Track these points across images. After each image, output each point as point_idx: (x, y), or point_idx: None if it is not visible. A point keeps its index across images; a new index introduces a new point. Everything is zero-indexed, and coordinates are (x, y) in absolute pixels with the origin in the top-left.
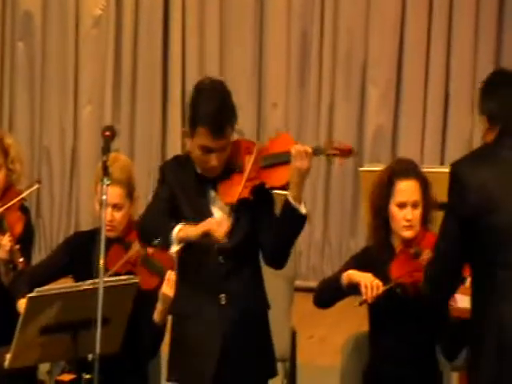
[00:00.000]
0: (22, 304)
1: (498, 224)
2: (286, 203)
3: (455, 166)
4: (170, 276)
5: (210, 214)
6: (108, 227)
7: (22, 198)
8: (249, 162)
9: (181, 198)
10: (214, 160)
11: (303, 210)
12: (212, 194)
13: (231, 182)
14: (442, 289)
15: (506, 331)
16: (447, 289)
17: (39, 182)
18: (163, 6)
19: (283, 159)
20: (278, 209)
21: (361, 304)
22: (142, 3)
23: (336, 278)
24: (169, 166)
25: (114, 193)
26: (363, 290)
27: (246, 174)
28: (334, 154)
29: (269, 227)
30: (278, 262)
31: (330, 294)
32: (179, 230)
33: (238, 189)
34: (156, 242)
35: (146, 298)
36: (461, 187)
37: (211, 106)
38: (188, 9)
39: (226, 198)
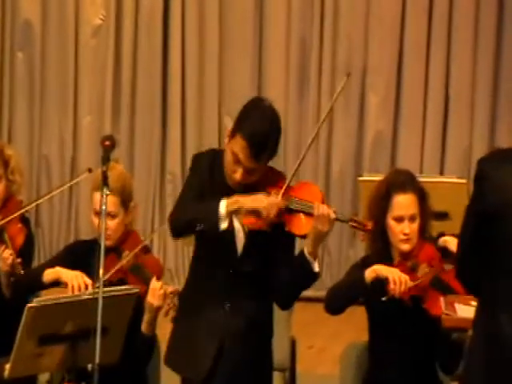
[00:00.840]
0: (63, 271)
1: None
2: (301, 255)
3: (481, 162)
4: (155, 285)
5: (230, 222)
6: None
7: (26, 211)
8: (280, 195)
9: (208, 193)
10: (238, 174)
11: (316, 267)
12: None
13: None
14: (465, 280)
15: (495, 343)
16: (470, 280)
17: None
18: (162, 15)
19: (308, 210)
20: None
21: (388, 299)
22: (141, 13)
23: (353, 279)
24: (204, 158)
25: (107, 201)
26: (392, 285)
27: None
28: (356, 228)
29: (282, 268)
30: (284, 305)
31: (345, 297)
32: (232, 202)
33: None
34: (200, 227)
35: (139, 305)
36: (482, 184)
37: (261, 126)
38: (187, 18)
39: (245, 219)
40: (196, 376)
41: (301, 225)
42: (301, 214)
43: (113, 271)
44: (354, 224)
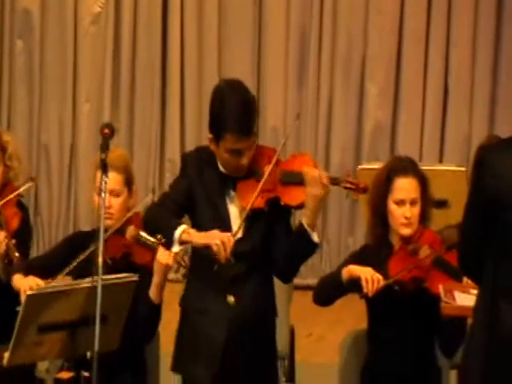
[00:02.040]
0: (17, 278)
1: (507, 223)
2: (300, 228)
3: (482, 150)
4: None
5: (226, 213)
6: (106, 215)
7: (18, 194)
8: (266, 173)
9: (199, 193)
10: (244, 159)
11: (315, 237)
12: (232, 193)
13: (249, 187)
14: (468, 269)
15: (494, 329)
16: (473, 269)
17: (32, 179)
18: (162, 3)
19: (299, 179)
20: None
21: (361, 297)
22: (140, 1)
23: (335, 274)
24: (191, 158)
25: (111, 179)
26: (364, 283)
27: (261, 184)
28: (349, 188)
29: (282, 240)
30: (286, 277)
31: (329, 291)
32: (183, 232)
33: (253, 196)
34: (159, 236)
35: (142, 275)
36: (481, 172)
37: (236, 111)
38: (187, 6)
39: (243, 201)
40: (208, 370)
41: (295, 195)
42: (294, 185)
43: (118, 246)
44: (348, 185)
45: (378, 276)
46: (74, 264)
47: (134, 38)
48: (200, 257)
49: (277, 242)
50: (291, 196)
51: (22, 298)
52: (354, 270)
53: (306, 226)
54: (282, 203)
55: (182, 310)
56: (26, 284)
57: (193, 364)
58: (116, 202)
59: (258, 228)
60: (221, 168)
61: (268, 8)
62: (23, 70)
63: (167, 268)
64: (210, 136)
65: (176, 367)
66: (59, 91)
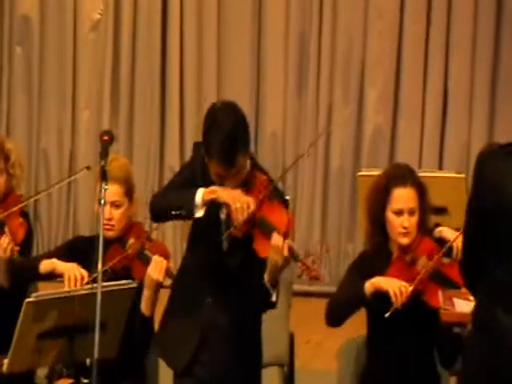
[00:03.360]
0: (58, 263)
1: (503, 229)
2: (262, 282)
3: (481, 157)
4: (157, 259)
5: (217, 217)
6: (107, 226)
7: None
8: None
9: (200, 185)
10: (229, 183)
11: (274, 297)
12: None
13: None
14: (467, 275)
15: (493, 335)
16: (472, 276)
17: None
18: (161, 10)
19: (270, 234)
20: None
21: (391, 313)
22: (139, 7)
23: (354, 290)
24: (200, 150)
25: (112, 190)
26: (393, 297)
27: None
28: (303, 269)
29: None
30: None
31: (347, 308)
32: (210, 191)
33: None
34: (175, 213)
35: (139, 293)
36: (480, 181)
37: (221, 141)
38: (186, 13)
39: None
40: (176, 365)
41: (264, 246)
42: (265, 235)
43: (119, 258)
44: (303, 267)
45: (405, 285)
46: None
47: (133, 44)
48: (186, 264)
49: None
50: (261, 245)
51: (66, 284)
52: (380, 283)
53: (266, 282)
54: (252, 246)
55: (170, 293)
56: (71, 271)
57: (169, 354)
58: (117, 213)
59: (243, 245)
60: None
61: (267, 13)
62: (22, 77)
63: (157, 283)
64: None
65: (155, 350)
66: (58, 98)
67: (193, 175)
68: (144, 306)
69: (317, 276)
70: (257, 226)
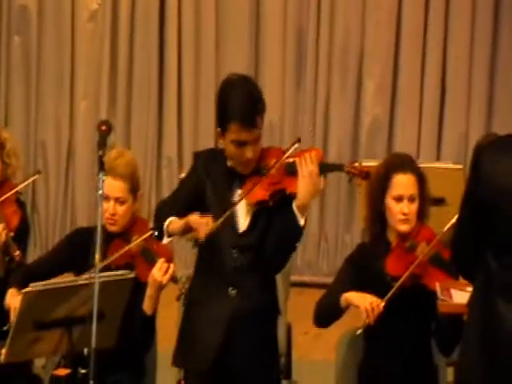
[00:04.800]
0: (10, 294)
1: (500, 223)
2: (290, 209)
3: (478, 150)
4: (161, 261)
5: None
6: (110, 221)
7: (17, 191)
8: (273, 166)
9: (208, 190)
10: (249, 152)
11: (301, 221)
12: (239, 191)
13: (255, 183)
14: (461, 265)
15: (491, 326)
16: (466, 265)
17: (38, 172)
18: (159, 0)
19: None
20: None
21: (364, 328)
22: None
23: (334, 300)
24: (202, 155)
25: (117, 186)
26: (364, 314)
27: (267, 179)
28: (352, 173)
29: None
30: (273, 266)
31: (328, 315)
32: (169, 223)
33: (258, 190)
34: (155, 232)
35: (141, 289)
36: (478, 173)
37: (240, 100)
38: (184, 3)
39: (248, 197)
40: (201, 366)
41: (294, 183)
42: (297, 174)
43: (121, 252)
44: (352, 169)
45: (376, 301)
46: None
47: (131, 34)
48: (206, 251)
49: (272, 235)
50: (295, 185)
51: (12, 317)
52: (352, 299)
53: (294, 207)
54: (287, 193)
55: (186, 303)
56: (17, 303)
57: (191, 357)
58: (121, 209)
59: (263, 222)
60: (228, 163)
61: (265, 5)
62: (20, 67)
63: (160, 285)
64: (218, 129)
65: (175, 362)
66: (56, 88)
67: (196, 182)
68: (146, 305)
69: (368, 172)
70: (285, 173)
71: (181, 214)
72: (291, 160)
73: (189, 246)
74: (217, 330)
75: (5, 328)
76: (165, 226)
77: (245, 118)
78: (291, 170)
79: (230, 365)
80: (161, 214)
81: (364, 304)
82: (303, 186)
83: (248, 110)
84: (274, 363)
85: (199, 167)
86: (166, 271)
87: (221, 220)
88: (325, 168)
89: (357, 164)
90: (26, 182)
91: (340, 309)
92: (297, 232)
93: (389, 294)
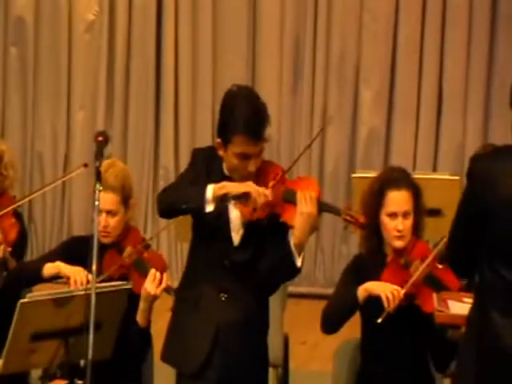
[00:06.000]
0: (62, 266)
1: (499, 229)
2: (286, 247)
3: (474, 160)
4: (153, 272)
5: (226, 215)
6: (103, 233)
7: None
8: (270, 186)
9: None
10: (251, 166)
11: (299, 262)
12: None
13: None
14: (459, 271)
15: (487, 336)
16: (464, 270)
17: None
18: (156, 11)
19: (296, 200)
20: None
21: (384, 319)
22: (134, 8)
23: (347, 297)
24: (201, 154)
25: (108, 199)
26: (385, 301)
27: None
28: (348, 220)
29: (268, 253)
30: (263, 290)
31: (341, 315)
32: (220, 187)
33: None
34: (185, 207)
35: (135, 301)
36: (474, 182)
37: (247, 113)
38: (181, 14)
39: (244, 210)
40: (189, 369)
41: (293, 214)
42: (294, 204)
43: (115, 267)
44: (348, 217)
45: (397, 289)
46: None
47: (128, 45)
48: (196, 254)
49: (266, 256)
50: (289, 215)
51: (72, 286)
52: (372, 288)
53: (292, 246)
54: (281, 220)
55: (175, 300)
56: (76, 274)
57: (180, 360)
58: (112, 221)
59: (255, 239)
60: (226, 172)
61: (262, 16)
62: (17, 78)
63: (154, 298)
64: (218, 140)
65: (164, 357)
66: (53, 99)
67: (196, 177)
68: (140, 318)
69: (364, 222)
70: (283, 200)
71: None
72: (292, 188)
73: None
74: (206, 334)
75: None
76: (210, 192)
77: (251, 131)
78: (289, 199)
79: (218, 370)
80: (185, 190)
81: (385, 292)
82: (302, 224)
83: (255, 123)
84: (263, 371)
85: (198, 164)
86: (160, 283)
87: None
88: (322, 208)
89: (353, 212)
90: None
91: (356, 303)
92: (293, 272)
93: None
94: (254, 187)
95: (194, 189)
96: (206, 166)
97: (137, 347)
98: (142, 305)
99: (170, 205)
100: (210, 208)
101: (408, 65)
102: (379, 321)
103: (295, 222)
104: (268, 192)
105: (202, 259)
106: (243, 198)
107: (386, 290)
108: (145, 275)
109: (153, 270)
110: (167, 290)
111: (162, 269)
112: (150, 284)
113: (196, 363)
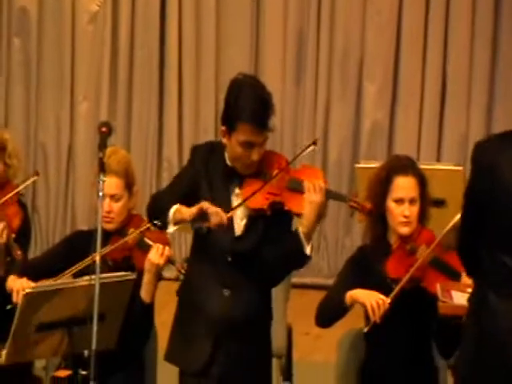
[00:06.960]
0: (11, 279)
1: (497, 215)
2: (295, 235)
3: (477, 146)
4: (158, 246)
5: (228, 208)
6: (106, 219)
7: (18, 192)
8: (275, 176)
9: (203, 187)
10: (255, 154)
11: (308, 250)
12: (237, 190)
13: (255, 186)
14: (465, 259)
15: (485, 318)
16: (469, 259)
17: (37, 174)
18: (160, 2)
19: (303, 189)
20: None
21: (370, 328)
22: None
23: (338, 299)
24: (200, 151)
25: (112, 183)
26: (370, 312)
27: (268, 186)
28: (353, 207)
29: (275, 241)
30: (270, 280)
31: (332, 314)
32: (175, 211)
33: (258, 197)
34: (156, 221)
35: (139, 280)
36: (476, 168)
37: (253, 101)
38: (185, 5)
39: (247, 202)
40: (193, 367)
41: (299, 203)
42: (299, 192)
43: (117, 245)
44: (355, 204)
45: (382, 298)
46: (78, 267)
47: (131, 36)
48: (198, 251)
49: (272, 245)
50: (295, 203)
51: (14, 299)
52: (358, 296)
53: (301, 234)
54: (286, 208)
55: (178, 299)
56: (18, 285)
57: (184, 358)
58: (116, 206)
59: (258, 229)
60: (228, 162)
61: (266, 9)
62: (20, 69)
63: (158, 268)
64: (223, 128)
65: (168, 357)
66: (57, 90)
67: (193, 175)
68: (144, 292)
69: (370, 209)
70: (287, 189)
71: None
72: (297, 177)
73: (186, 237)
74: (210, 331)
75: (8, 307)
76: (171, 214)
77: (257, 119)
78: (295, 187)
79: (222, 366)
80: (161, 204)
81: (370, 301)
82: (310, 213)
83: (260, 111)
84: (267, 366)
85: (197, 162)
86: (162, 253)
87: (231, 213)
88: (329, 196)
89: (358, 198)
90: (26, 184)
91: (344, 307)
92: (302, 260)
93: (391, 296)
94: (207, 205)
95: (165, 206)
96: (205, 161)
97: (139, 325)
98: (146, 277)
99: (149, 215)
100: (170, 229)
101: (411, 57)
102: (365, 330)
103: (304, 211)
104: (223, 215)
105: (205, 257)
106: (203, 218)
107: (372, 299)
108: (147, 251)
109: (157, 244)
110: (170, 260)
111: (165, 243)
112: (154, 254)
113: (199, 363)
